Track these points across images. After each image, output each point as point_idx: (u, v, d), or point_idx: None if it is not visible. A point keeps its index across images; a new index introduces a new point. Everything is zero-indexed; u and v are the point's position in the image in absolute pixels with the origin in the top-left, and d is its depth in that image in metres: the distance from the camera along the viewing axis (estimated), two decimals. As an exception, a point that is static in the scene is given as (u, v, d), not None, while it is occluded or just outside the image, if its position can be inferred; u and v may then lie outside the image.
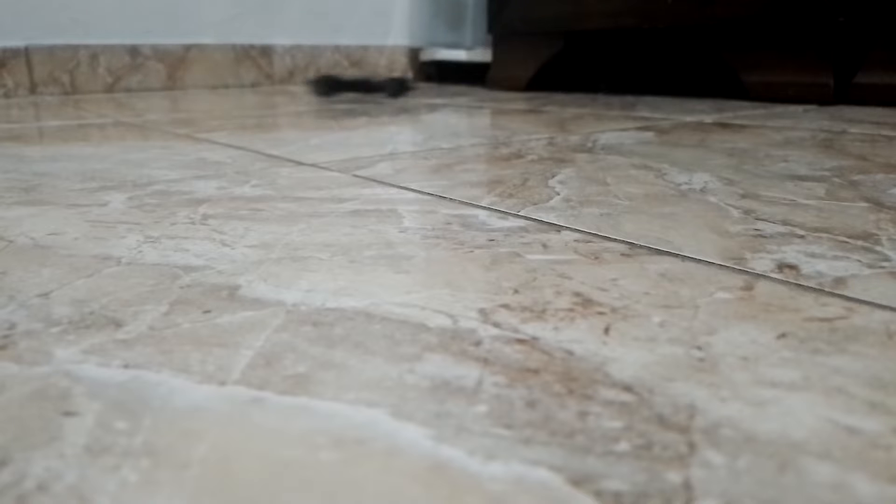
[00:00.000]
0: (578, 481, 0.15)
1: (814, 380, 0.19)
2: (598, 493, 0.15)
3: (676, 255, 0.31)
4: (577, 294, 0.26)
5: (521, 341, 0.22)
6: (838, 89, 1.03)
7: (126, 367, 0.20)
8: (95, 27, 1.40)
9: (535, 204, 0.41)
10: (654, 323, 0.23)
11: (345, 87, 1.24)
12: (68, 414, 0.18)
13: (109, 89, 1.44)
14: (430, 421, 0.17)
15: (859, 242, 0.33)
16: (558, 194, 0.44)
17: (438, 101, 1.22)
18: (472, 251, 0.32)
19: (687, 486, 0.15)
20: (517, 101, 1.21)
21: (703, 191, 0.44)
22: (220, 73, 1.58)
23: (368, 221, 0.37)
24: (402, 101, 1.16)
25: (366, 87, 1.24)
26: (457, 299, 0.26)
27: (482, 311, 0.25)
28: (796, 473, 0.15)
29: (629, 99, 1.19)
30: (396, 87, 1.24)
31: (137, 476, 0.15)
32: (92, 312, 0.25)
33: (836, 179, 0.48)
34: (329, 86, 1.22)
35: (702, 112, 0.96)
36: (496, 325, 0.23)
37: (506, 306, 0.25)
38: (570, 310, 0.25)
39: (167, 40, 1.49)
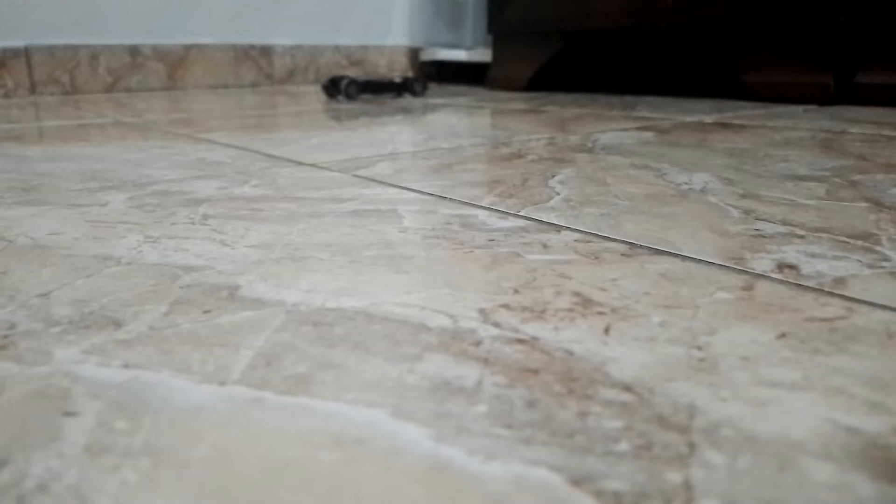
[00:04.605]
0: (578, 481, 0.15)
1: (814, 380, 0.19)
2: (598, 493, 0.15)
3: (676, 255, 0.31)
4: (577, 294, 0.26)
5: (521, 341, 0.22)
6: (838, 89, 1.03)
7: (126, 367, 0.20)
8: (95, 27, 1.40)
9: (535, 204, 0.41)
10: (654, 323, 0.23)
11: (364, 88, 1.23)
12: (68, 414, 0.18)
13: (109, 89, 1.44)
14: (430, 421, 0.17)
15: (859, 242, 0.33)
16: (558, 194, 0.44)
17: (438, 101, 1.22)
18: (472, 251, 0.32)
19: (687, 486, 0.15)
20: (517, 101, 1.21)
21: (702, 191, 0.44)
22: (220, 73, 1.58)
23: (368, 221, 0.37)
24: (404, 101, 1.18)
25: (384, 87, 1.25)
26: (457, 299, 0.26)
27: (482, 311, 0.25)
28: (796, 473, 0.15)
29: (629, 99, 1.19)
30: (420, 86, 1.29)
31: (137, 476, 0.15)
32: (92, 312, 0.25)
33: (836, 179, 0.48)
34: (347, 87, 1.21)
35: (702, 112, 0.96)
36: (496, 325, 0.23)
37: (506, 306, 0.25)
38: (570, 310, 0.25)
39: (167, 40, 1.49)
